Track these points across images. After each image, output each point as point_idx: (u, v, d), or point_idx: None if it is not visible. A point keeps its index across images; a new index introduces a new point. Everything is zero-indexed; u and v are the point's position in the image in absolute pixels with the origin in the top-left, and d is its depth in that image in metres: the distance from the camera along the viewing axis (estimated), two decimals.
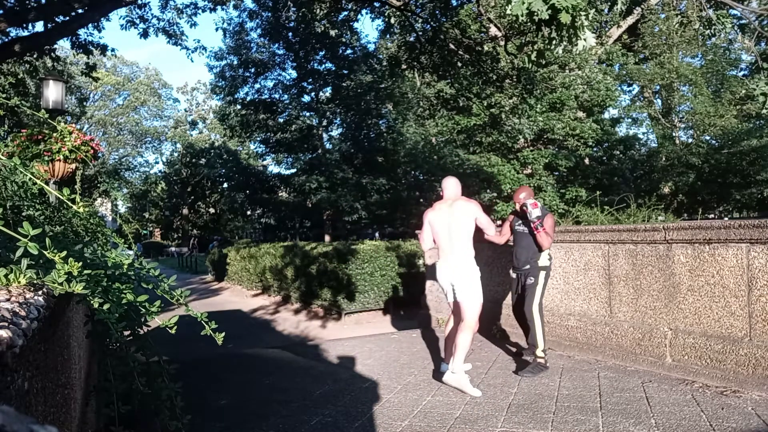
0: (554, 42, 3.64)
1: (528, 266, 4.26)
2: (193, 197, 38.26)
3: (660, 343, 4.04)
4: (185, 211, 38.62)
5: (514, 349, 5.04)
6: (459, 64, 9.34)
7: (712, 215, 19.64)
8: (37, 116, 1.93)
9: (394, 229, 21.47)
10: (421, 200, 19.17)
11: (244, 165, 23.89)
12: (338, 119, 21.91)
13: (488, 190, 15.15)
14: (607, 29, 17.16)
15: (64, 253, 1.12)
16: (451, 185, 4.11)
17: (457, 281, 3.87)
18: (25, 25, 7.98)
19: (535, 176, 15.31)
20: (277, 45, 20.03)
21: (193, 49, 10.89)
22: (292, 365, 4.86)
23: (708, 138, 20.54)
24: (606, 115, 18.68)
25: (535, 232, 4.14)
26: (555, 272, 5.23)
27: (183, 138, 41.30)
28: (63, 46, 18.18)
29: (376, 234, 22.45)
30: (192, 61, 54.02)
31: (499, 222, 4.32)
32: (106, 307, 1.27)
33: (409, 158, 18.38)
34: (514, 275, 4.47)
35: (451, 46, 9.19)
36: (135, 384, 1.38)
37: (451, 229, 3.91)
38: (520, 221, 4.37)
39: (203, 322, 1.53)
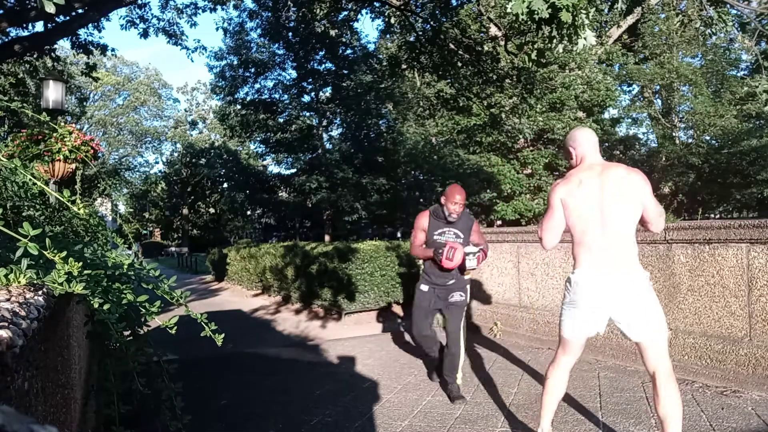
0: (554, 41, 3.63)
1: (454, 280, 3.66)
2: (193, 197, 38.30)
3: None
4: (185, 211, 38.64)
5: (514, 350, 5.03)
6: (459, 64, 9.33)
7: (712, 215, 19.65)
8: (38, 118, 1.93)
9: (395, 229, 21.43)
10: (421, 200, 19.17)
11: (244, 165, 23.93)
12: (338, 119, 21.93)
13: (488, 190, 15.15)
14: (607, 29, 17.15)
15: (64, 253, 1.12)
16: (586, 138, 2.46)
17: (632, 307, 2.27)
18: (25, 25, 7.98)
19: (535, 176, 15.33)
20: (277, 45, 20.04)
21: (193, 49, 10.90)
22: (293, 365, 4.87)
23: (708, 138, 20.54)
24: (606, 115, 18.70)
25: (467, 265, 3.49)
26: (555, 271, 5.22)
27: (183, 138, 41.31)
28: (63, 46, 18.18)
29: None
30: (192, 61, 54.07)
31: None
32: (106, 307, 1.27)
33: (409, 158, 18.39)
34: (426, 288, 3.72)
35: (451, 46, 9.18)
36: (135, 384, 1.38)
37: (606, 214, 2.29)
38: (443, 227, 3.64)
39: (203, 324, 1.53)
